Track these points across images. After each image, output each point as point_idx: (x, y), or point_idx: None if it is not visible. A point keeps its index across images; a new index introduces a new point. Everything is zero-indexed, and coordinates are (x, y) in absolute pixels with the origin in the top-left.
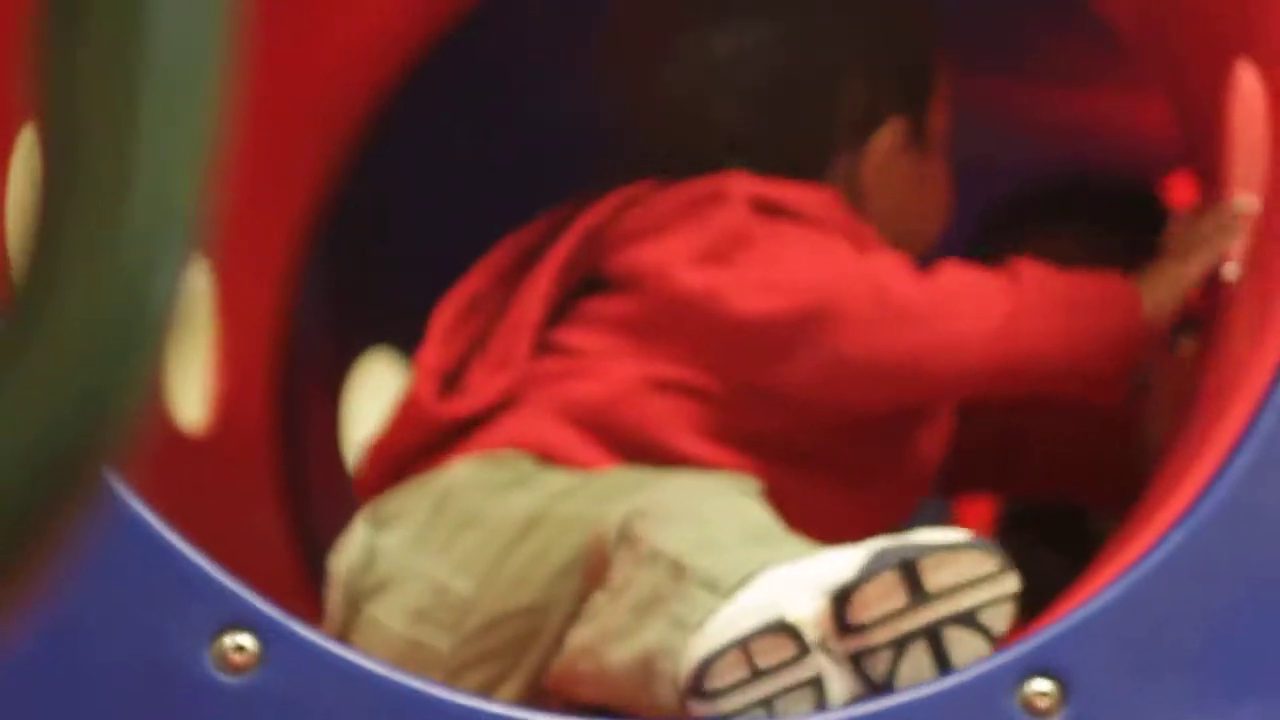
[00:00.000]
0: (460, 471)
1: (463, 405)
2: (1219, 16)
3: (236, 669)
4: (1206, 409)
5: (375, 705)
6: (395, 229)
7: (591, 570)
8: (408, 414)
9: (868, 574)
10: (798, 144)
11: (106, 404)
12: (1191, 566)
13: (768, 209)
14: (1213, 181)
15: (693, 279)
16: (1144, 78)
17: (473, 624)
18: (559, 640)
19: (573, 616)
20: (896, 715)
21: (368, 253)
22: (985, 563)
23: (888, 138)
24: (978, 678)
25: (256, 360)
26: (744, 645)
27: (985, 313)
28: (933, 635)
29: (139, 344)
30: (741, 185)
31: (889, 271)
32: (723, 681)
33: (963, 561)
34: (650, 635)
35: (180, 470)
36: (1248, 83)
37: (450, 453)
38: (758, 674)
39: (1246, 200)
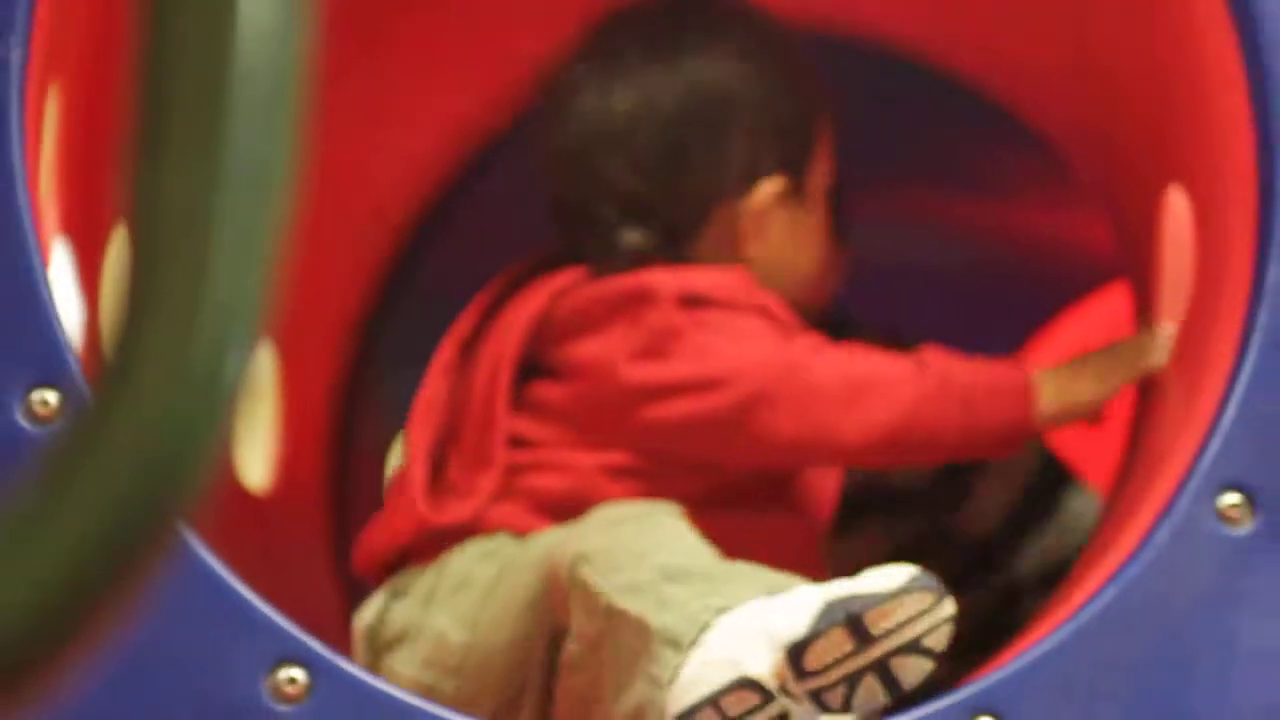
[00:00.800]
0: (458, 552)
1: (457, 512)
2: (1153, 147)
3: (289, 699)
4: (1138, 482)
5: None
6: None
7: (553, 605)
8: (403, 519)
9: (817, 631)
10: (683, 201)
11: (183, 471)
12: (1121, 620)
13: (692, 301)
14: (1145, 292)
15: (633, 376)
16: (1080, 194)
17: (470, 665)
18: (548, 669)
19: (550, 647)
20: None
21: (415, 338)
22: (924, 599)
23: (766, 192)
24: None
25: (314, 429)
26: (714, 701)
27: (893, 401)
28: (881, 668)
29: (211, 420)
30: (667, 284)
31: (809, 356)
32: None
33: (905, 605)
34: (634, 694)
35: (245, 525)
36: (1178, 207)
37: (446, 545)
38: None
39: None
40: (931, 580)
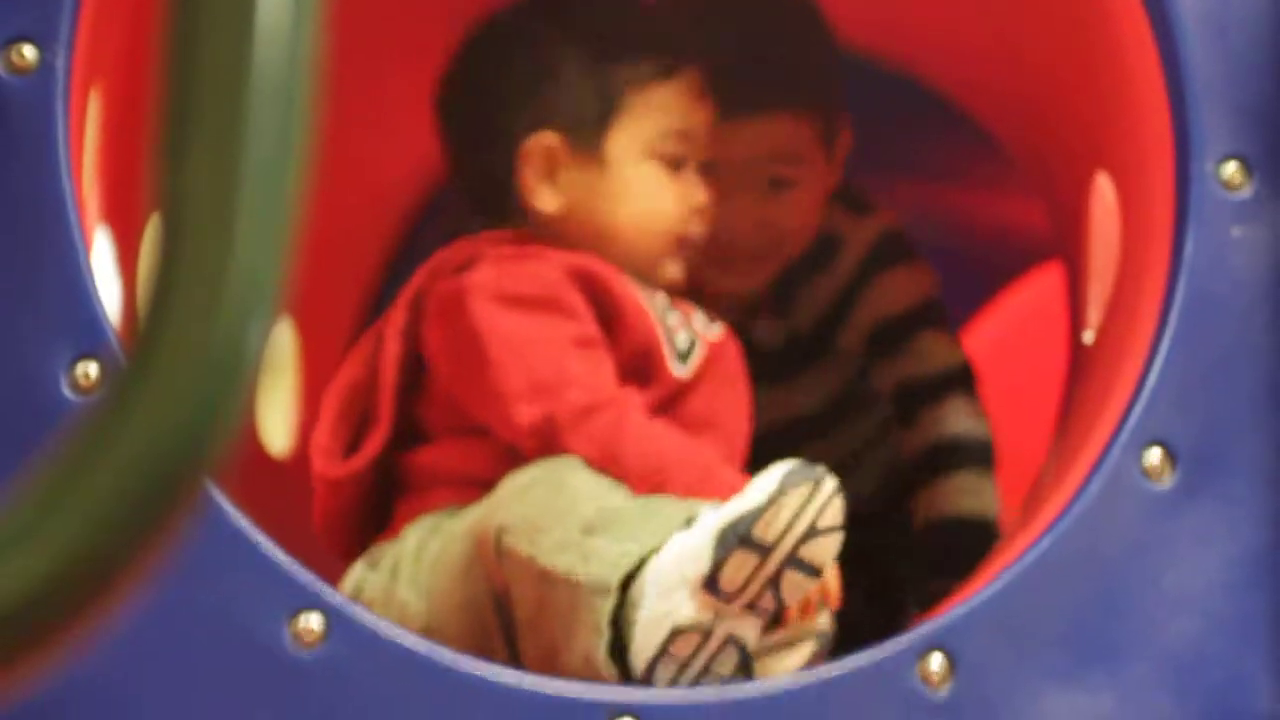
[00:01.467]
0: (414, 526)
1: (350, 465)
2: (1082, 137)
3: (308, 645)
4: (1071, 441)
5: (417, 673)
6: None
7: (488, 574)
8: (316, 486)
9: (719, 561)
10: (492, 149)
11: (207, 435)
12: (1057, 567)
13: (508, 302)
14: (1076, 270)
15: (451, 384)
16: (1017, 179)
17: (432, 632)
18: (504, 628)
19: (496, 609)
20: (817, 693)
21: None
22: (802, 492)
23: (535, 143)
24: (884, 656)
25: None
26: (664, 652)
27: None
28: (793, 561)
29: (234, 388)
30: (484, 288)
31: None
32: (664, 677)
33: (786, 505)
34: (580, 643)
35: (269, 484)
36: (1105, 191)
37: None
38: (685, 660)
39: None
40: (804, 470)
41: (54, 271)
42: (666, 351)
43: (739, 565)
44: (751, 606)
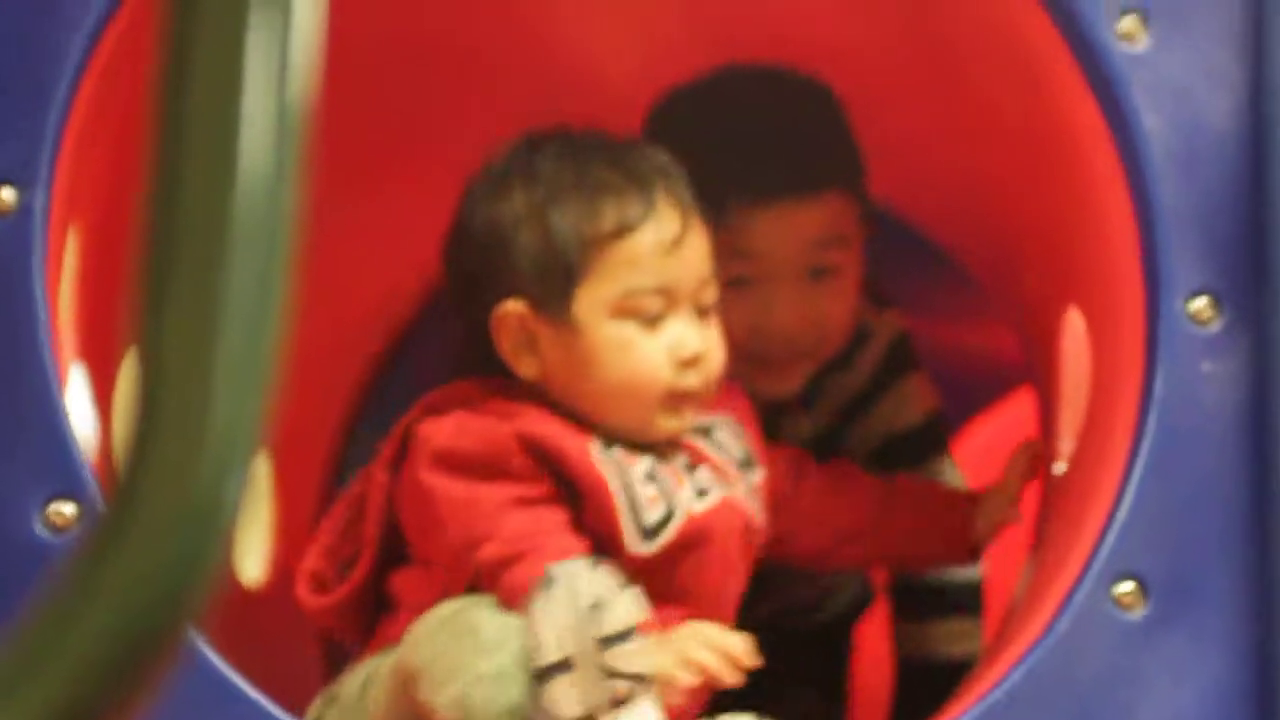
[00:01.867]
0: (361, 665)
1: (325, 600)
2: (1053, 271)
3: None
4: (1043, 572)
5: None
6: None
7: (413, 710)
8: (308, 614)
9: None
10: (471, 315)
11: (188, 585)
12: (1029, 699)
13: (452, 461)
14: (1047, 401)
15: (405, 528)
16: (991, 311)
17: None
18: None
19: None
20: None
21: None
22: None
23: (504, 310)
24: None
25: (305, 529)
26: None
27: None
28: None
29: (214, 538)
30: (427, 441)
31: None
32: None
33: None
34: None
35: (242, 616)
36: (1076, 326)
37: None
38: None
39: None
40: None
41: (29, 410)
42: (625, 527)
43: None
44: None
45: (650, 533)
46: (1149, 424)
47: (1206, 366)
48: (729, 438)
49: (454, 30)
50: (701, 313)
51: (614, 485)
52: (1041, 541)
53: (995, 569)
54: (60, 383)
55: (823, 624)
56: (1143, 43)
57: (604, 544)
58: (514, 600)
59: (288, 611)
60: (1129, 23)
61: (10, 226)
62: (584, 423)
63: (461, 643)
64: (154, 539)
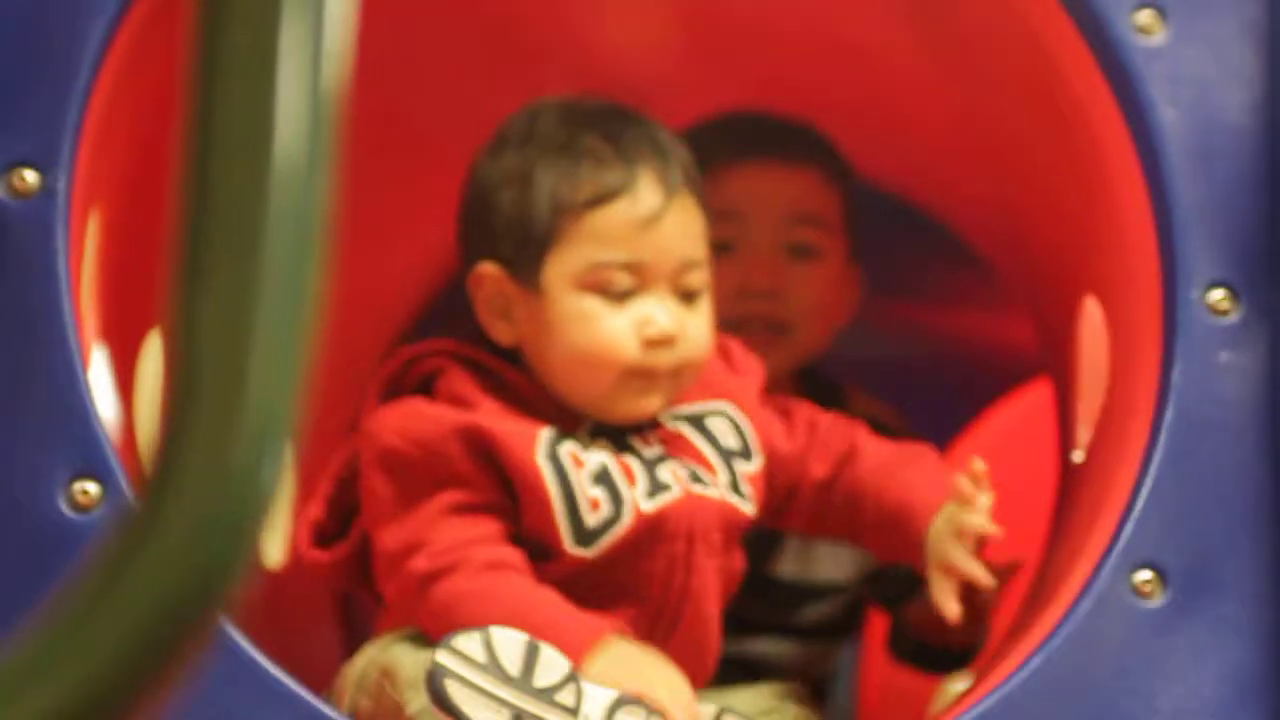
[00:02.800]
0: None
1: (324, 556)
2: (1071, 262)
3: None
4: (1061, 560)
5: None
6: None
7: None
8: (294, 559)
9: None
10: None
11: (225, 568)
12: (1048, 687)
13: (391, 461)
14: (1065, 390)
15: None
16: (1009, 300)
17: None
18: None
19: None
20: None
21: None
22: None
23: (477, 272)
24: None
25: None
26: None
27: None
28: None
29: (251, 520)
30: (374, 438)
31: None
32: None
33: None
34: None
35: (261, 597)
36: (1093, 316)
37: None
38: None
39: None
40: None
41: (52, 390)
42: (562, 531)
43: None
44: None
45: (591, 536)
46: (1167, 414)
47: (1224, 357)
48: (723, 426)
49: (490, 13)
50: (684, 296)
51: (553, 489)
52: (1058, 529)
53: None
54: (83, 363)
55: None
56: (1160, 36)
57: (542, 546)
58: (440, 615)
59: (308, 590)
60: (1146, 16)
61: (33, 209)
62: (551, 400)
63: (386, 684)
64: (191, 521)
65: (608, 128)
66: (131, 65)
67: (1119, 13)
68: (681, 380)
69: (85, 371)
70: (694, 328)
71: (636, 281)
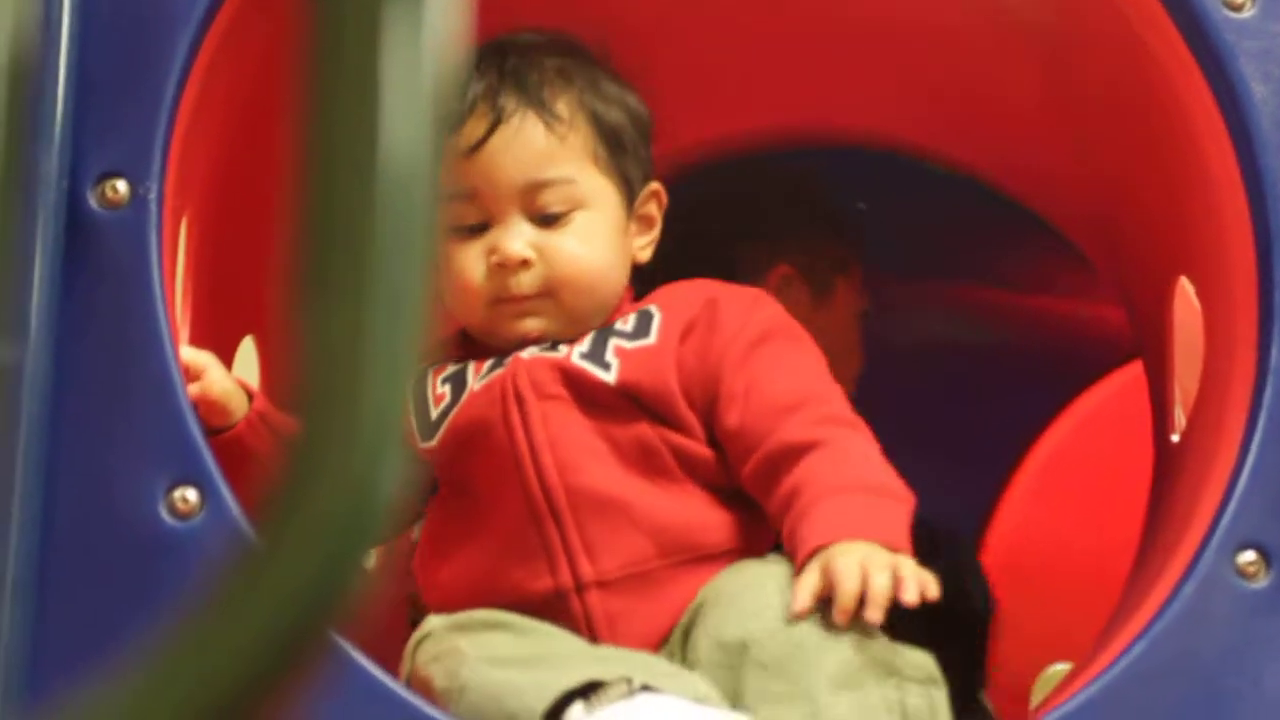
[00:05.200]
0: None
1: None
2: (1163, 242)
3: None
4: (1162, 544)
5: None
6: None
7: None
8: None
9: None
10: None
11: (348, 572)
12: (1153, 671)
13: None
14: (1159, 373)
15: None
16: (1099, 286)
17: None
18: None
19: None
20: None
21: None
22: None
23: None
24: None
25: None
26: None
27: None
28: None
29: (369, 531)
30: None
31: None
32: None
33: None
34: None
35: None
36: (1187, 295)
37: None
38: None
39: None
40: None
41: (150, 399)
42: (416, 429)
43: None
44: None
45: (434, 427)
46: (1266, 392)
47: None
48: (630, 320)
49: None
50: (543, 218)
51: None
52: (1157, 512)
53: (1102, 538)
54: (180, 371)
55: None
56: (1250, 11)
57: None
58: None
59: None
60: None
61: (125, 218)
62: (470, 338)
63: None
64: (315, 523)
65: (510, 62)
66: (217, 72)
67: None
68: (563, 299)
69: (181, 379)
70: (559, 246)
71: (484, 212)
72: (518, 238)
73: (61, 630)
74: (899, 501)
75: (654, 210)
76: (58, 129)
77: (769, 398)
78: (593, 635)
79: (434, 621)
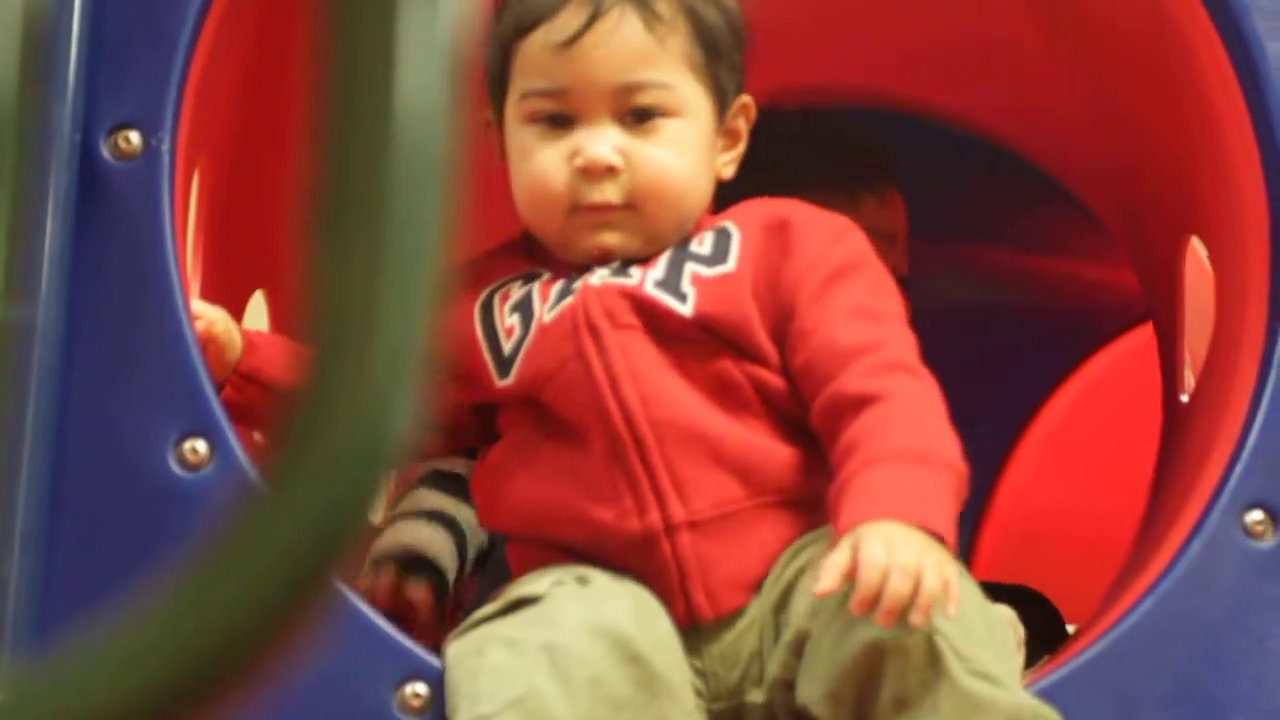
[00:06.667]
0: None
1: None
2: (1175, 203)
3: (414, 711)
4: (1170, 503)
5: None
6: None
7: None
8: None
9: None
10: None
11: (356, 508)
12: (1160, 627)
13: None
14: (1169, 333)
15: None
16: (1109, 248)
17: None
18: None
19: None
20: None
21: None
22: None
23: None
24: None
25: None
26: None
27: None
28: None
29: (377, 474)
30: None
31: None
32: None
33: None
34: None
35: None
36: (1198, 255)
37: None
38: None
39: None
40: None
41: (160, 350)
42: (491, 366)
43: None
44: None
45: (508, 363)
46: (1275, 354)
47: None
48: (707, 238)
49: None
50: (634, 121)
51: (479, 331)
52: (1166, 471)
53: (1110, 499)
54: (190, 323)
55: None
56: None
57: (486, 391)
58: None
59: None
60: None
61: (137, 169)
62: (540, 246)
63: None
64: (323, 465)
65: None
66: (229, 24)
67: None
68: (646, 212)
69: (192, 331)
70: (647, 154)
71: (570, 110)
72: (606, 141)
73: (71, 581)
74: (945, 471)
75: (742, 125)
76: (71, 80)
77: (834, 339)
78: (683, 579)
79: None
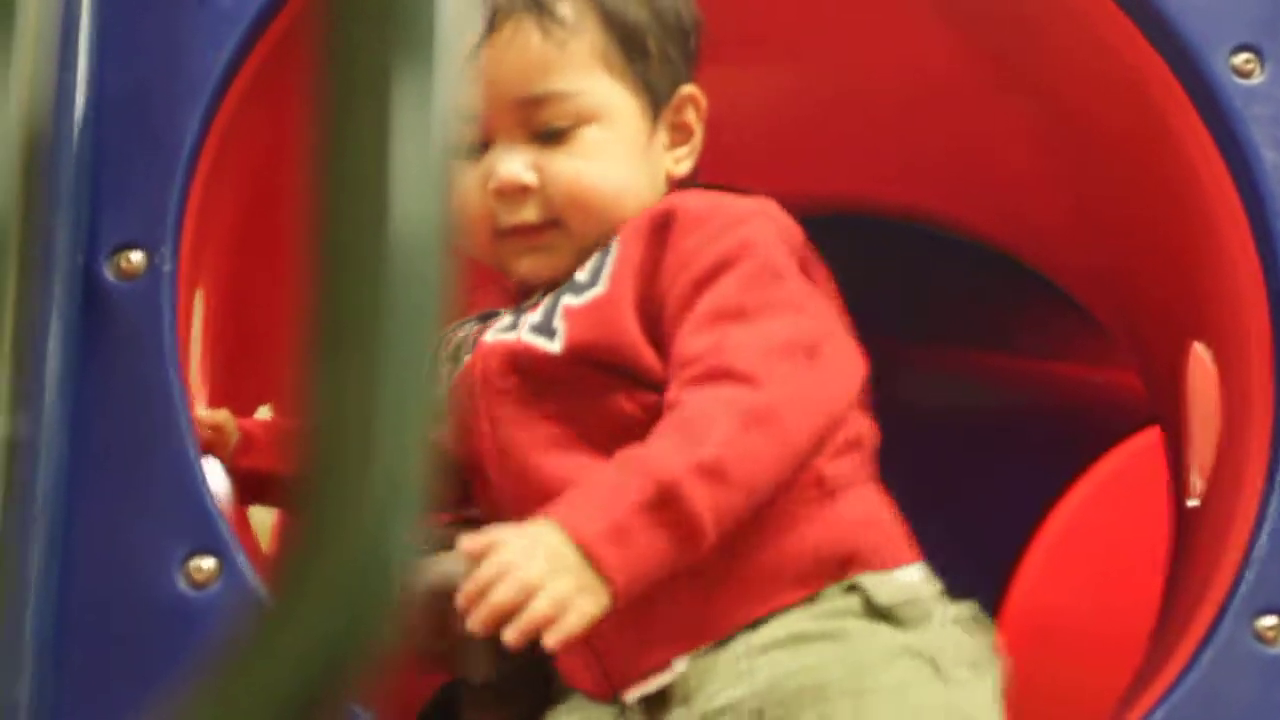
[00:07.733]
0: None
1: None
2: (1175, 308)
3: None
4: (1181, 609)
5: None
6: None
7: None
8: None
9: None
10: None
11: (357, 642)
12: None
13: None
14: (1176, 437)
15: None
16: (1115, 352)
17: None
18: None
19: None
20: None
21: None
22: None
23: None
24: None
25: None
26: None
27: None
28: None
29: (382, 594)
30: None
31: None
32: None
33: None
34: None
35: None
36: (1202, 360)
37: None
38: None
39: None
40: None
41: (166, 468)
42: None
43: None
44: None
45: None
46: None
47: None
48: (593, 260)
49: None
50: (544, 137)
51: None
52: (1177, 579)
53: (1121, 600)
54: (195, 441)
55: None
56: (1259, 78)
57: None
58: None
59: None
60: (1244, 58)
61: (140, 288)
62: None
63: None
64: (325, 598)
65: None
66: (230, 144)
67: (1217, 56)
68: (571, 228)
69: (197, 450)
70: (561, 167)
71: (485, 132)
72: (516, 160)
73: (81, 700)
74: (634, 475)
75: (691, 118)
76: (73, 201)
77: (681, 352)
78: (603, 666)
79: None
